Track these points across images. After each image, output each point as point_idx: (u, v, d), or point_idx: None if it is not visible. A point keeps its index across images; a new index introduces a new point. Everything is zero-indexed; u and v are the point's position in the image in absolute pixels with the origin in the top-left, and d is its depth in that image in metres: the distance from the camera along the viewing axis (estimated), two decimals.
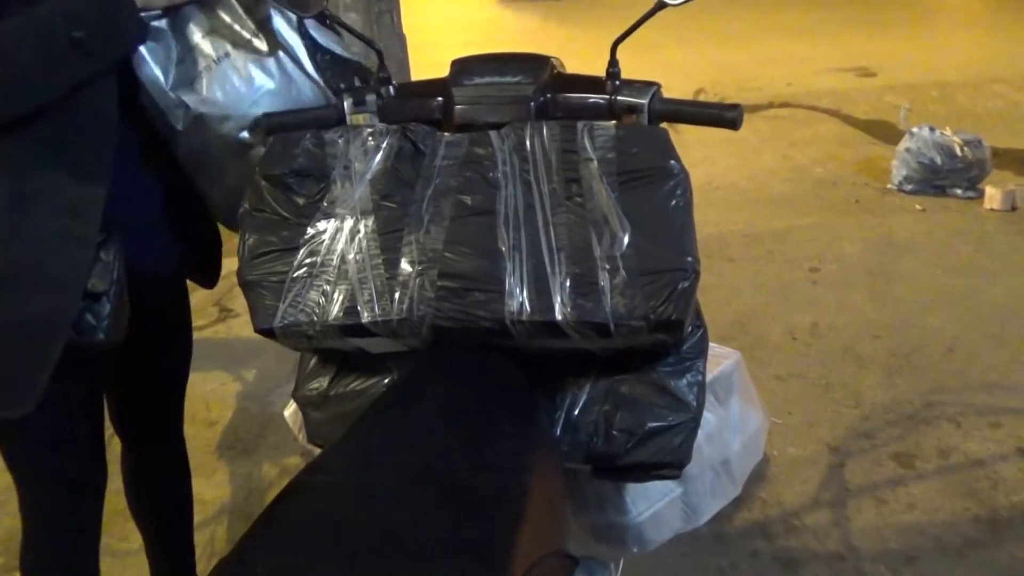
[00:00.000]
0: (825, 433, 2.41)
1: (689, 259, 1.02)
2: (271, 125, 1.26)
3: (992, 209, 3.92)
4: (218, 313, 3.41)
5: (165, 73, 1.23)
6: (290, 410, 1.79)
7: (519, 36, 9.62)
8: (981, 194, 4.03)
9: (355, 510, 0.82)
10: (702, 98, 6.20)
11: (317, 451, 1.40)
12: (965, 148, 4.04)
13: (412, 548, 0.78)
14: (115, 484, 2.36)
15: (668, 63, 7.22)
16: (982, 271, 3.36)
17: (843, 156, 4.80)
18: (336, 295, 1.09)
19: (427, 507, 0.83)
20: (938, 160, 4.06)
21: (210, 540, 2.16)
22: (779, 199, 4.26)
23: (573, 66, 1.31)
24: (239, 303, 3.43)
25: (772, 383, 2.65)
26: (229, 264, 4.04)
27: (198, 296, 3.51)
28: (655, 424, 1.14)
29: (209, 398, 2.80)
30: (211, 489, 2.35)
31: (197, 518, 2.22)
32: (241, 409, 2.74)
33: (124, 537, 2.20)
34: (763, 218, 4.03)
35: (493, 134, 1.13)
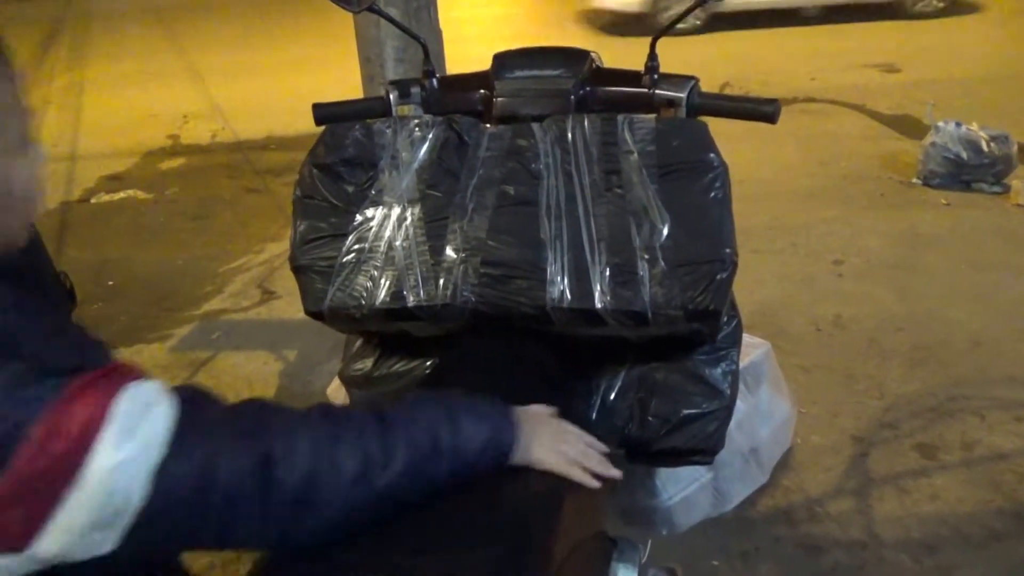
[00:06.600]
0: (848, 423, 2.43)
1: (727, 250, 1.04)
2: (321, 115, 1.30)
3: (1018, 204, 3.89)
4: (260, 295, 3.46)
5: None
6: (332, 388, 1.85)
7: (546, 30, 9.63)
8: (1007, 189, 4.01)
9: None
10: (727, 92, 6.18)
11: None
12: (991, 143, 4.00)
13: (454, 531, 0.82)
14: None
15: (692, 57, 7.17)
16: (1007, 266, 3.34)
17: (868, 151, 4.78)
18: (383, 280, 1.13)
19: (468, 491, 0.86)
20: (964, 155, 4.03)
21: None
22: (803, 192, 4.25)
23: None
24: (280, 285, 3.50)
25: (796, 373, 2.66)
26: (273, 248, 4.08)
27: (242, 278, 3.60)
28: (690, 411, 1.17)
29: (252, 377, 2.87)
30: None
31: None
32: (282, 387, 2.79)
33: None
34: (787, 211, 4.02)
35: (535, 126, 1.15)
